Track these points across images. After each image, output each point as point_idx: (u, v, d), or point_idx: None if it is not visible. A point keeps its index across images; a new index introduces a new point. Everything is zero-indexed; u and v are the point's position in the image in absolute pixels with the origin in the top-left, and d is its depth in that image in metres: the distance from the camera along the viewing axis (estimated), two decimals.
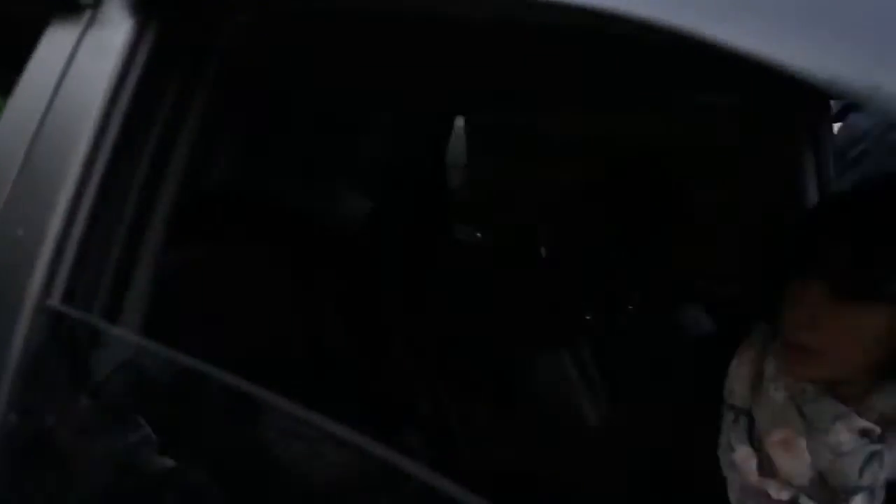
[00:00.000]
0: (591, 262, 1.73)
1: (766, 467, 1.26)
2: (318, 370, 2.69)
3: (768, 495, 1.24)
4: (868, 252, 1.15)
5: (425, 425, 2.60)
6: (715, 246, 2.31)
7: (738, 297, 2.01)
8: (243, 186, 2.87)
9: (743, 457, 1.25)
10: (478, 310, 2.52)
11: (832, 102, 2.08)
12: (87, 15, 1.04)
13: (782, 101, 1.97)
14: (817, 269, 1.17)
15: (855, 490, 1.23)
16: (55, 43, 1.06)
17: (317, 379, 2.45)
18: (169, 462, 0.89)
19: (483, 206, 2.70)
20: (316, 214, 2.77)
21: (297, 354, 2.49)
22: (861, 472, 1.22)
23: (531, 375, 1.70)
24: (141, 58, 1.01)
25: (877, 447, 1.23)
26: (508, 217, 2.69)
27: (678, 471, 1.34)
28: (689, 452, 1.31)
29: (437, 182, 2.77)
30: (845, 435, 1.22)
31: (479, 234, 2.75)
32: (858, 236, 1.16)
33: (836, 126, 2.27)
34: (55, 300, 0.96)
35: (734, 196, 2.22)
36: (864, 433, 1.23)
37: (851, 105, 2.22)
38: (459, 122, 2.78)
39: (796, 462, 1.24)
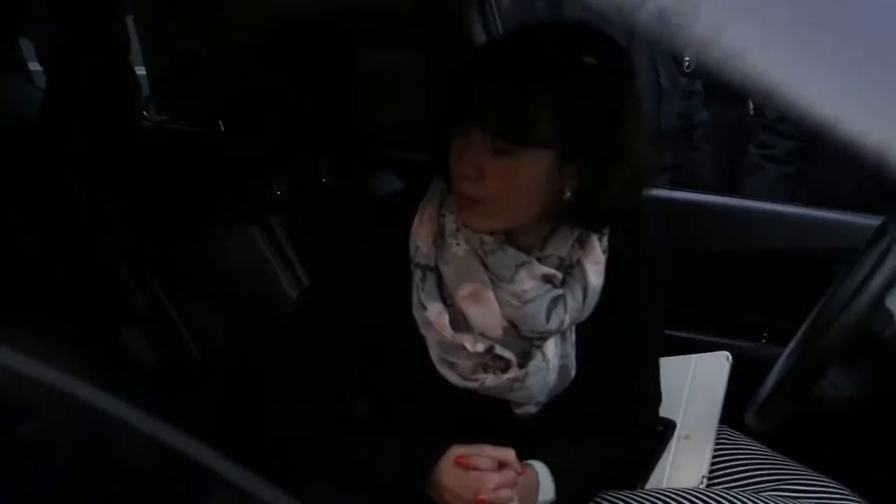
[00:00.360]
0: (275, 136, 1.67)
1: (461, 322, 1.29)
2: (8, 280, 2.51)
3: (465, 348, 1.28)
4: (518, 97, 1.16)
5: (146, 325, 2.50)
6: (401, 107, 2.32)
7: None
8: None
9: (435, 314, 1.28)
10: (170, 197, 2.41)
11: None
12: None
13: None
14: (475, 118, 1.18)
15: (545, 335, 1.30)
16: None
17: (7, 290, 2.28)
18: None
19: (166, 83, 2.55)
20: None
21: None
22: (548, 316, 1.28)
23: (226, 257, 1.64)
24: None
25: (559, 292, 1.29)
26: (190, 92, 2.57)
27: (382, 338, 1.35)
28: (387, 316, 1.32)
29: (117, 61, 2.57)
30: (528, 282, 1.27)
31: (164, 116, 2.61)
32: (507, 81, 1.17)
33: None
34: None
35: (415, 57, 2.23)
36: (547, 279, 1.29)
37: None
38: None
39: (487, 313, 1.27)
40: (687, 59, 2.75)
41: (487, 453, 1.29)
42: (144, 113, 2.52)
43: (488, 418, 1.33)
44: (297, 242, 1.64)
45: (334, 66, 1.75)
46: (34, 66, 2.79)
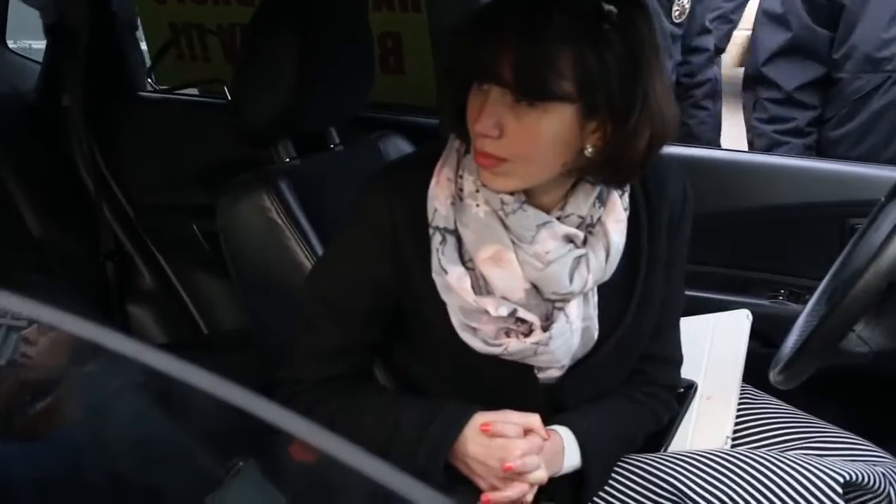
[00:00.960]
0: (282, 103, 1.64)
1: (482, 285, 1.26)
2: (21, 258, 2.49)
3: (487, 312, 1.25)
4: (538, 51, 1.12)
5: (152, 300, 2.49)
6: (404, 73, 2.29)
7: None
8: None
9: (456, 277, 1.25)
10: (175, 167, 2.39)
11: None
12: None
13: None
14: (494, 75, 1.15)
15: (567, 296, 1.27)
16: None
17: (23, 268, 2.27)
18: None
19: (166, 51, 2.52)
20: None
21: None
22: (571, 277, 1.25)
23: (236, 225, 1.61)
24: None
25: (581, 251, 1.26)
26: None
27: (402, 305, 1.32)
28: (406, 281, 1.30)
29: (117, 32, 2.54)
30: (550, 243, 1.24)
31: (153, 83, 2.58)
32: (525, 34, 1.13)
33: None
34: None
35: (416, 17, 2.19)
36: (568, 239, 1.26)
37: None
38: None
39: (508, 276, 1.25)
40: (677, 7, 2.68)
41: (513, 419, 1.27)
42: (150, 82, 2.49)
43: (512, 384, 1.31)
44: (308, 207, 1.60)
45: (341, 29, 1.71)
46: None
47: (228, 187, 1.63)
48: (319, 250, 1.57)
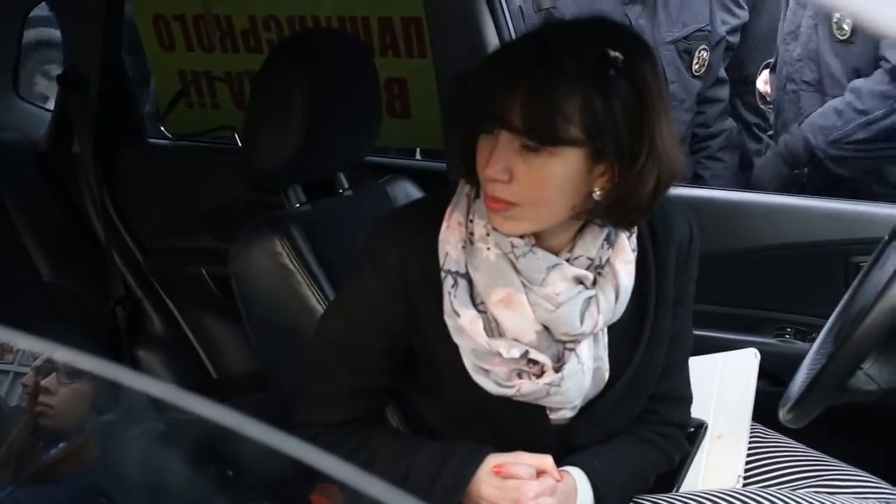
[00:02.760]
0: (292, 149, 1.66)
1: (494, 327, 1.28)
2: (30, 301, 2.51)
3: (500, 354, 1.26)
4: (546, 96, 1.14)
5: (160, 342, 2.50)
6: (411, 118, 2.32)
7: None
8: None
9: (468, 320, 1.26)
10: (187, 213, 2.42)
11: None
12: None
13: None
14: (502, 120, 1.16)
15: (578, 337, 1.28)
16: None
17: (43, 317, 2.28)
18: None
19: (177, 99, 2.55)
20: None
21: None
22: (581, 318, 1.27)
23: (247, 270, 1.63)
24: None
25: (591, 293, 1.28)
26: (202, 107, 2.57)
27: (414, 348, 1.33)
28: (418, 325, 1.31)
29: (127, 82, 2.58)
30: (560, 284, 1.25)
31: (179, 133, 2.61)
32: (534, 79, 1.15)
33: None
34: None
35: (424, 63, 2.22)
36: (578, 280, 1.27)
37: None
38: None
39: (520, 318, 1.26)
40: (697, 61, 2.70)
41: (525, 461, 1.28)
42: (162, 128, 2.52)
43: (524, 425, 1.32)
44: (319, 252, 1.62)
45: (349, 75, 1.74)
46: None
47: (240, 232, 1.64)
48: (331, 294, 1.58)
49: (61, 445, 1.19)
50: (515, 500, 1.24)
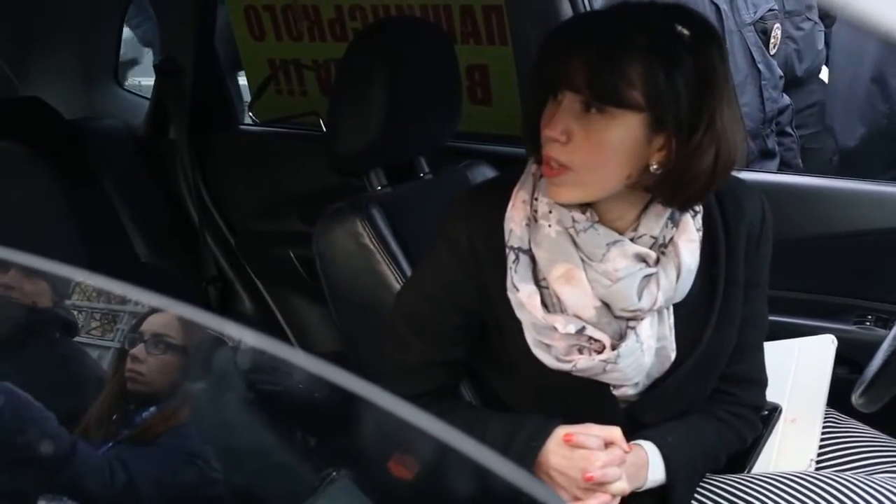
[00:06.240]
0: (375, 134, 1.72)
1: (555, 303, 1.31)
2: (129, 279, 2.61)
3: (556, 329, 1.29)
4: (611, 59, 1.17)
5: (250, 322, 2.58)
6: (491, 104, 2.35)
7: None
8: None
9: (527, 295, 1.29)
10: (264, 194, 2.50)
11: None
12: None
13: None
14: (567, 79, 1.20)
15: (637, 314, 1.31)
16: None
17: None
18: None
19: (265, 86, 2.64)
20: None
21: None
22: (640, 294, 1.29)
23: (327, 248, 1.69)
24: None
25: (652, 270, 1.30)
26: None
27: (483, 323, 1.38)
28: (486, 300, 1.35)
29: (219, 71, 2.68)
30: (620, 261, 1.28)
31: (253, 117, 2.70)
32: (601, 44, 1.19)
33: None
34: None
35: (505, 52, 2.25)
36: (640, 258, 1.29)
37: None
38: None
39: (579, 293, 1.29)
40: (773, 39, 2.73)
41: (594, 432, 1.31)
42: (250, 115, 2.61)
43: (589, 400, 1.35)
44: (398, 233, 1.67)
45: (429, 62, 1.78)
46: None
47: (323, 215, 1.70)
48: (409, 274, 1.63)
49: (152, 409, 1.26)
50: (583, 470, 1.27)
